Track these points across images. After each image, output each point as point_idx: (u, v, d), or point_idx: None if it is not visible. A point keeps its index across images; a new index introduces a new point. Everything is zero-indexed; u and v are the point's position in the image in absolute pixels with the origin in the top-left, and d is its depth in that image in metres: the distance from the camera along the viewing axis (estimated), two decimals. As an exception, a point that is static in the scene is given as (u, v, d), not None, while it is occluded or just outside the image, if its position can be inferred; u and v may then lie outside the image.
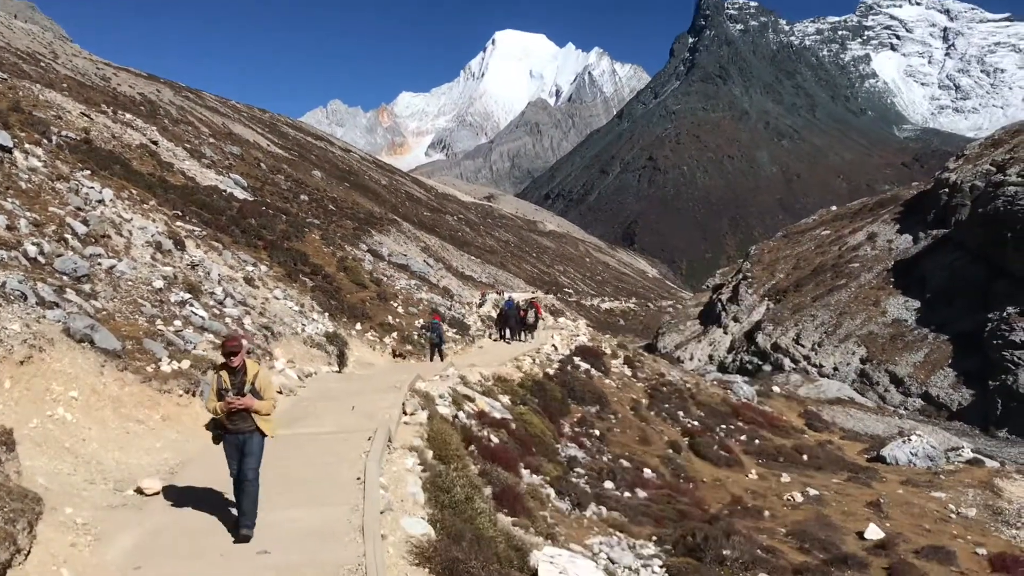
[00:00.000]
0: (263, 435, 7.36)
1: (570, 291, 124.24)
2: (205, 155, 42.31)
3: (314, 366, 15.86)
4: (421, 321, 24.76)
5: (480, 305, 35.71)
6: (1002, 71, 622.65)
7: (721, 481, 18.63)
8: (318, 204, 47.95)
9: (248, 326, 14.43)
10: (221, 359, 7.41)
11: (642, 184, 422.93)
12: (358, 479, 8.03)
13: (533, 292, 51.51)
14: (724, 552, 11.34)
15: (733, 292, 74.44)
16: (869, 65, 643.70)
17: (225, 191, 31.09)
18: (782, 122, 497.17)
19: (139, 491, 7.65)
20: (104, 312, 10.43)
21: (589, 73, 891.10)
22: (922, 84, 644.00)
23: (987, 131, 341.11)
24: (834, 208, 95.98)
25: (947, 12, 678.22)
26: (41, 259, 10.53)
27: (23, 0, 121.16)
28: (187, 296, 12.86)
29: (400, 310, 24.68)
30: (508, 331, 28.86)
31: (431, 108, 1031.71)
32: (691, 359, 67.26)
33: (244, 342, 12.89)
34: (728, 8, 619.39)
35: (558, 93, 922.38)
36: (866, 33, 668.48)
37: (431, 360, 21.65)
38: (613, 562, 10.38)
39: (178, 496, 7.76)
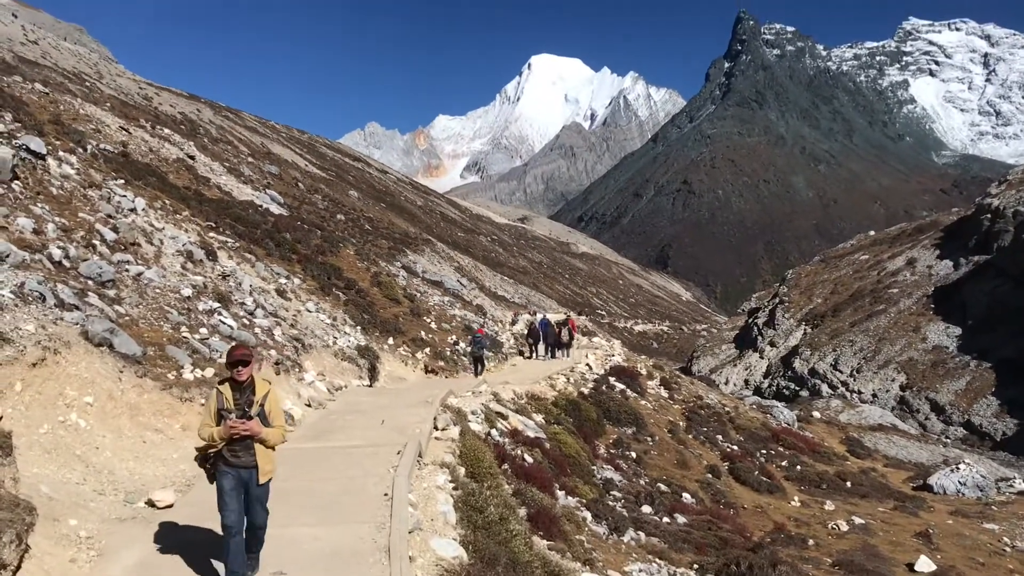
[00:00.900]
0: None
1: (603, 313, 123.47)
2: (243, 173, 42.53)
3: (344, 379, 15.51)
4: (454, 337, 24.43)
5: (513, 323, 35.34)
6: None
7: (763, 508, 17.91)
8: (354, 223, 48.00)
9: (278, 337, 14.10)
10: (226, 372, 6.10)
11: (676, 207, 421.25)
12: (385, 495, 7.54)
13: (566, 313, 51.03)
14: (769, 583, 10.74)
15: (769, 316, 73.45)
16: (907, 91, 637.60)
17: (261, 206, 31.09)
18: (818, 147, 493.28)
19: (151, 504, 7.15)
20: (127, 317, 10.14)
21: (624, 97, 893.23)
22: (961, 110, 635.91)
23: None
24: (872, 233, 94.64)
25: (987, 38, 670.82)
26: (66, 263, 10.30)
27: (73, 24, 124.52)
28: (216, 305, 12.59)
29: (433, 326, 24.34)
30: (543, 348, 28.53)
31: (467, 131, 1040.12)
32: (726, 383, 66.26)
33: (269, 352, 12.59)
34: (764, 33, 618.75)
35: (593, 117, 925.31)
36: (904, 59, 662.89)
37: (476, 375, 21.62)
38: (653, 591, 9.85)
39: (192, 510, 7.20)
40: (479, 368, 21.86)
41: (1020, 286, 52.63)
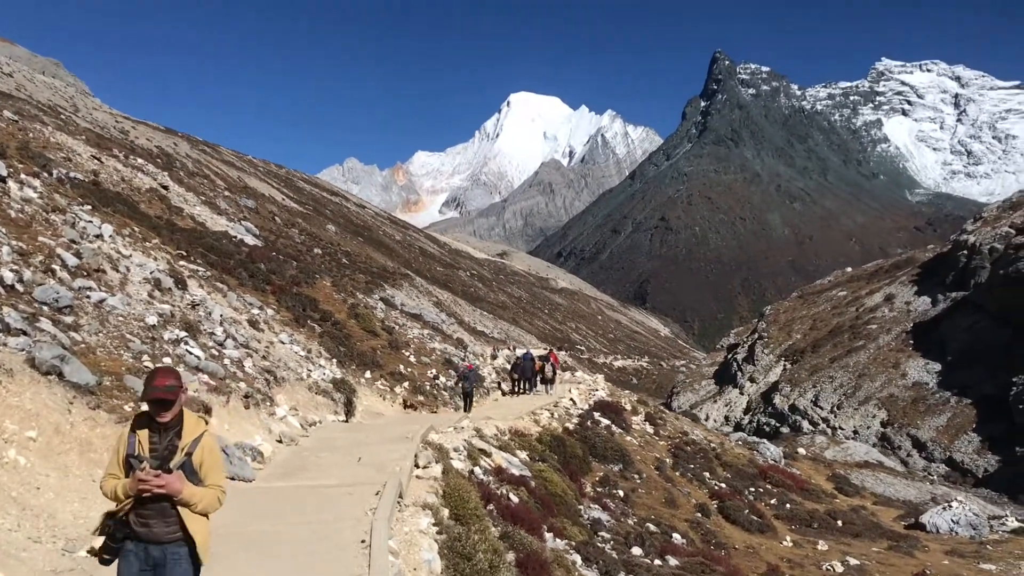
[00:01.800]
0: (195, 561, 4.26)
1: (582, 348, 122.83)
2: (219, 206, 41.84)
3: (319, 414, 14.74)
4: (434, 371, 23.73)
5: (493, 358, 34.68)
6: (1014, 137, 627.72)
7: (754, 548, 17.28)
8: (331, 257, 47.34)
9: (249, 369, 13.35)
10: (145, 406, 4.47)
11: (654, 244, 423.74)
12: (363, 542, 6.74)
13: (546, 348, 50.59)
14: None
15: (749, 352, 73.29)
16: (881, 130, 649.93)
17: (236, 237, 30.39)
18: (794, 185, 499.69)
19: (93, 552, 6.10)
20: (84, 345, 9.40)
21: (602, 135, 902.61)
22: (934, 149, 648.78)
23: (999, 196, 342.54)
24: (849, 270, 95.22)
25: (958, 79, 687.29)
26: (19, 287, 9.56)
27: (49, 57, 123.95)
28: (183, 334, 11.87)
29: (412, 359, 23.62)
30: (525, 383, 27.89)
31: (446, 167, 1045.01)
32: (706, 419, 65.77)
33: (238, 385, 11.81)
34: (740, 73, 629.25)
35: (571, 154, 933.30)
36: (878, 98, 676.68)
37: (465, 410, 20.96)
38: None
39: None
40: (468, 404, 21.22)
41: (998, 322, 52.78)
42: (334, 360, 18.85)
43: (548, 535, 10.80)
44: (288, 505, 7.94)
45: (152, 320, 11.52)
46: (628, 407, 26.83)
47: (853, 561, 17.37)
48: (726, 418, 67.42)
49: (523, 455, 15.19)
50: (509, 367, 30.57)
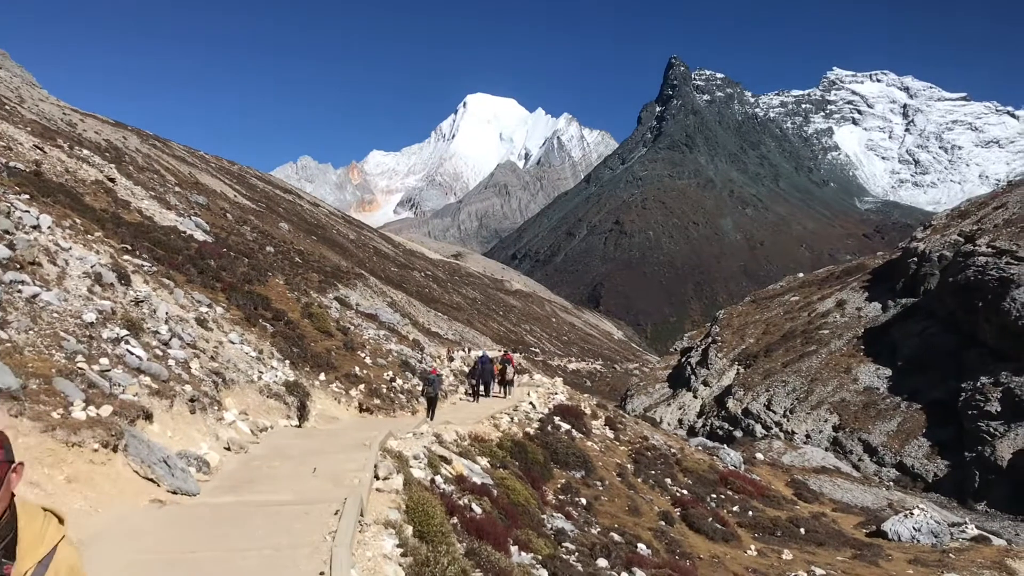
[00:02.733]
0: None
1: (537, 350, 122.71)
2: (169, 202, 40.52)
3: (271, 419, 13.91)
4: (390, 373, 22.97)
5: (451, 360, 34.02)
6: (959, 148, 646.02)
7: (719, 558, 16.93)
8: (284, 256, 46.25)
9: (196, 371, 12.50)
10: None
11: (608, 247, 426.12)
12: (321, 574, 5.98)
13: (503, 350, 50.19)
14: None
15: (703, 356, 73.62)
16: (831, 138, 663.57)
17: (185, 232, 29.29)
18: (746, 191, 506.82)
19: None
20: (9, 344, 8.56)
21: (558, 138, 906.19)
22: (883, 158, 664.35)
23: (945, 205, 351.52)
24: (801, 275, 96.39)
25: (907, 90, 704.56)
26: (-62, 280, 8.78)
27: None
28: (124, 333, 11.00)
29: (368, 361, 22.84)
30: (483, 386, 27.28)
31: (401, 167, 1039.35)
32: (660, 423, 65.85)
33: (183, 388, 10.92)
34: (695, 79, 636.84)
35: (527, 156, 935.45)
36: (829, 107, 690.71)
37: (429, 417, 20.10)
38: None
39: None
40: (432, 410, 20.24)
41: (948, 329, 53.55)
42: (287, 361, 18.02)
43: (514, 548, 10.25)
44: (235, 527, 7.14)
45: (90, 317, 10.66)
46: (588, 411, 26.40)
47: (819, 571, 17.13)
48: (680, 421, 67.56)
49: (484, 462, 14.63)
50: (467, 370, 29.89)
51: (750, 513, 22.01)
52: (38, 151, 29.77)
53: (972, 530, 23.16)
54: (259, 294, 21.48)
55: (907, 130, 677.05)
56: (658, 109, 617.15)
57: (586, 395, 36.10)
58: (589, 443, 22.08)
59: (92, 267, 12.98)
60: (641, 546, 14.99)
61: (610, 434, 24.99)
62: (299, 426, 15.08)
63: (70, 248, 13.39)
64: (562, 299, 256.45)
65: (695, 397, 70.27)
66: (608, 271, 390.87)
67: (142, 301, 13.31)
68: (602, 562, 12.70)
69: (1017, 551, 20.81)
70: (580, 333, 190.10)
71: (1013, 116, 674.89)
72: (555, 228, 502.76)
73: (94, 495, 7.31)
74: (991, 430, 44.12)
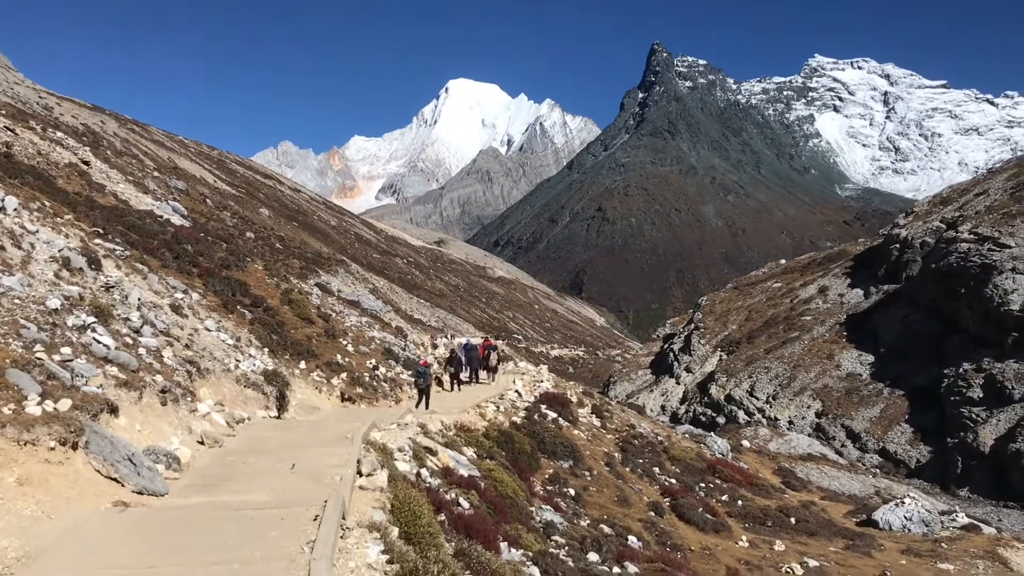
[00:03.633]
0: None
1: (519, 337, 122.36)
2: (147, 187, 39.66)
3: (248, 410, 13.31)
4: (373, 361, 22.37)
5: (435, 347, 33.50)
6: (939, 135, 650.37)
7: (711, 550, 16.61)
8: (264, 242, 45.51)
9: (168, 359, 11.86)
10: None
11: (591, 234, 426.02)
12: None
13: (486, 336, 49.76)
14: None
15: (685, 342, 73.51)
16: (813, 125, 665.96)
17: (161, 216, 28.54)
18: (728, 178, 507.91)
19: None
20: (-40, 333, 8.02)
21: (540, 124, 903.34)
22: (863, 145, 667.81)
23: (925, 192, 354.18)
24: (783, 261, 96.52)
25: (887, 77, 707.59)
26: None
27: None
28: (91, 320, 10.37)
29: (350, 348, 22.26)
30: (470, 373, 26.83)
31: (383, 153, 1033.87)
32: (643, 409, 65.73)
33: (154, 378, 10.09)
34: (677, 65, 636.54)
35: (509, 142, 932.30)
36: (810, 94, 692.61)
37: (421, 406, 19.46)
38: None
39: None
40: (425, 401, 19.68)
41: (930, 315, 53.59)
42: (265, 349, 17.39)
43: (503, 545, 9.82)
44: (204, 535, 6.48)
45: (55, 303, 10.03)
46: (574, 399, 25.99)
47: (812, 563, 16.85)
48: (663, 408, 67.48)
49: (470, 452, 14.19)
50: (448, 358, 29.36)
51: (739, 502, 21.72)
52: (8, 132, 28.92)
53: (963, 518, 23.01)
54: (237, 280, 20.85)
55: (888, 117, 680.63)
56: (640, 95, 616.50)
57: (571, 383, 35.73)
58: (576, 432, 21.70)
59: (60, 251, 12.37)
60: (632, 539, 14.63)
61: (597, 422, 24.62)
62: (278, 417, 14.49)
63: (37, 231, 12.76)
64: (545, 286, 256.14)
65: (678, 384, 70.23)
66: (590, 258, 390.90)
67: (113, 287, 12.71)
68: (593, 556, 12.32)
69: (1008, 540, 20.65)
70: (563, 320, 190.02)
71: (992, 104, 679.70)
72: (538, 215, 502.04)
73: (48, 499, 6.69)
74: (973, 416, 44.20)
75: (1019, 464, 38.60)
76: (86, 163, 31.81)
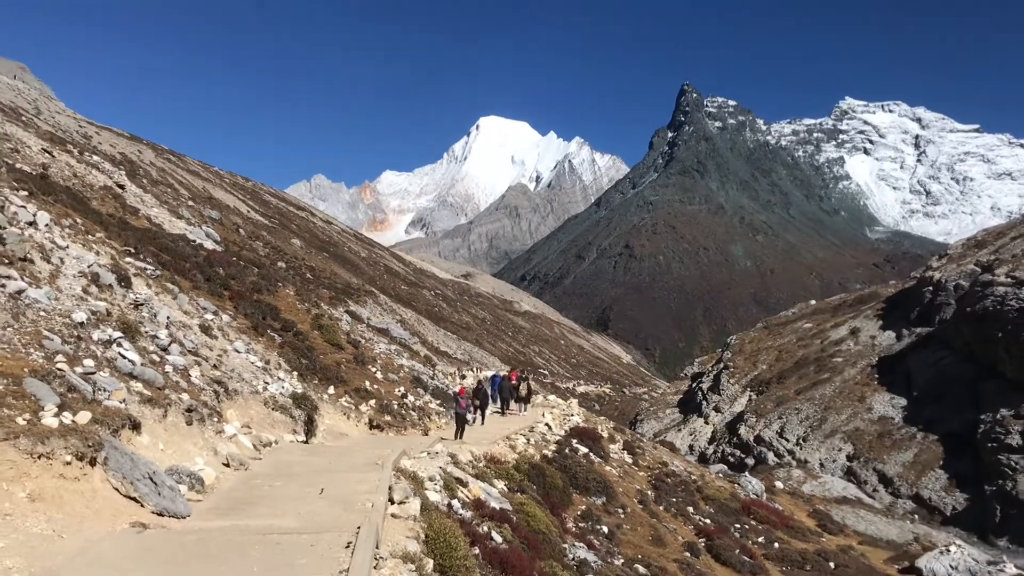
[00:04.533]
0: None
1: (545, 372, 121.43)
2: (182, 215, 39.97)
3: (275, 433, 12.92)
4: (402, 389, 21.98)
5: (463, 377, 33.14)
6: (971, 179, 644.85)
7: (749, 594, 15.97)
8: (295, 271, 45.63)
9: (196, 379, 11.54)
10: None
11: (618, 271, 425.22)
12: None
13: (510, 369, 49.51)
14: None
15: (714, 381, 72.56)
16: (843, 167, 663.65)
17: (194, 240, 28.55)
18: (757, 218, 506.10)
19: None
20: (-21, 341, 7.70)
21: (569, 161, 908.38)
22: (894, 188, 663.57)
23: (956, 236, 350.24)
24: (813, 302, 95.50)
25: (919, 120, 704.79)
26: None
27: (15, 61, 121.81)
28: (117, 335, 10.08)
29: (379, 376, 21.88)
30: (501, 403, 26.48)
31: (413, 187, 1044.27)
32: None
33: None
34: (707, 106, 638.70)
35: (538, 179, 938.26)
36: (840, 136, 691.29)
37: (458, 436, 18.97)
38: None
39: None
40: (460, 430, 19.01)
41: (964, 359, 52.43)
42: (295, 373, 17.07)
43: (539, 583, 9.32)
44: (226, 562, 5.97)
45: (80, 317, 9.75)
46: (605, 434, 25.36)
47: (855, 610, 16.13)
48: (690, 447, 66.44)
49: (501, 485, 13.69)
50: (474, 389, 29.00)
51: (776, 545, 20.93)
52: (46, 154, 29.18)
53: (1012, 568, 21.99)
54: (268, 304, 20.63)
55: (919, 161, 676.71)
56: (670, 135, 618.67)
57: (602, 417, 35.07)
58: (607, 468, 21.08)
59: (89, 266, 12.16)
60: (668, 580, 14.03)
61: (628, 459, 23.97)
62: (306, 442, 14.09)
63: (67, 247, 12.58)
64: (571, 321, 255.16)
65: (706, 423, 69.22)
66: (617, 295, 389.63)
67: (142, 304, 12.46)
68: (629, 597, 11.76)
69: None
70: (589, 356, 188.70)
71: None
72: (565, 251, 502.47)
73: (61, 516, 6.24)
74: (1012, 464, 42.92)
75: (1063, 514, 37.26)
76: (121, 187, 32.01)
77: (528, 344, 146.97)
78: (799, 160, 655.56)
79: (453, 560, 6.76)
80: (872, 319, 68.45)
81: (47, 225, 13.15)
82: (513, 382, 27.13)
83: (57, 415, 7.25)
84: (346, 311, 30.81)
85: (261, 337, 17.88)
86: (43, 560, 5.55)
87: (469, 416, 25.00)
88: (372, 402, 19.15)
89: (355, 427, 17.45)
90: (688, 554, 16.85)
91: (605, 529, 15.81)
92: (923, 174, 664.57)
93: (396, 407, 20.02)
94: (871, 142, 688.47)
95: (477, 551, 8.34)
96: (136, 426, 8.42)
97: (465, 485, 11.77)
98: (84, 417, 7.54)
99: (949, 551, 21.15)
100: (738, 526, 21.64)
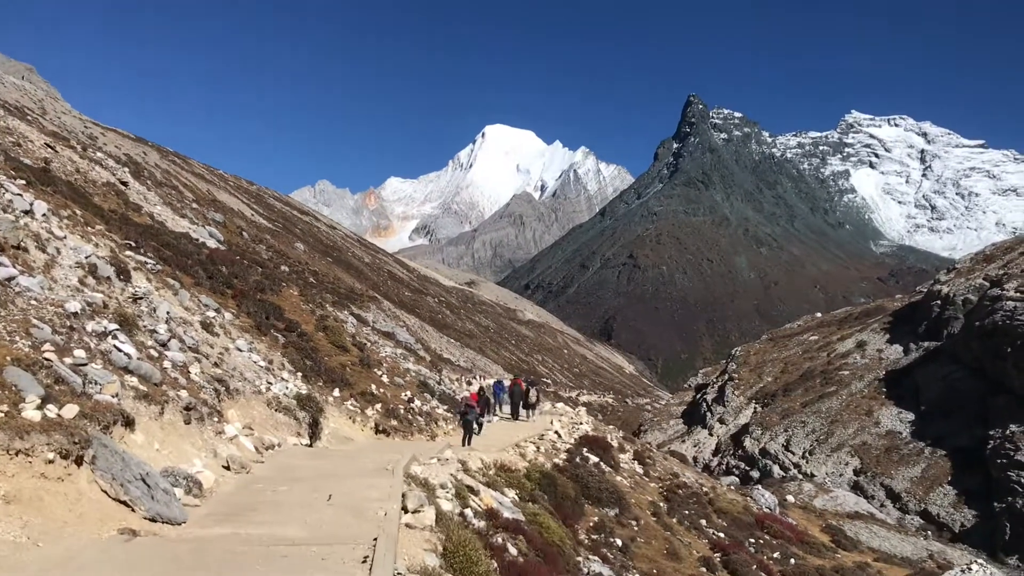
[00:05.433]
0: None
1: (548, 381, 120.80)
2: (185, 215, 39.53)
3: (278, 435, 12.31)
4: (408, 393, 21.42)
5: (469, 384, 32.65)
6: (976, 195, 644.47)
7: (768, 612, 15.36)
8: (299, 275, 45.18)
9: (195, 376, 10.92)
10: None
11: (621, 281, 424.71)
12: None
13: (513, 377, 48.99)
14: None
15: (719, 393, 71.94)
16: (848, 180, 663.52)
17: (197, 239, 28.05)
18: (761, 230, 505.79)
19: None
20: (-41, 326, 7.12)
21: (574, 171, 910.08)
22: (899, 202, 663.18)
23: (961, 251, 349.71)
24: (818, 315, 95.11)
25: (924, 135, 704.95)
26: None
27: (23, 62, 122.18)
28: (113, 327, 9.47)
29: (385, 379, 21.27)
30: (512, 409, 26.04)
31: (418, 194, 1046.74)
32: (677, 460, 64.08)
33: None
34: (713, 117, 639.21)
35: (543, 188, 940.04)
36: (846, 150, 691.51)
37: (466, 443, 18.49)
38: None
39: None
40: (468, 437, 18.81)
41: (973, 374, 51.76)
42: (299, 374, 16.47)
43: (557, 599, 8.74)
44: (225, 575, 5.31)
45: (74, 307, 9.16)
46: (615, 444, 24.78)
47: (878, 630, 15.52)
48: (694, 459, 65.76)
49: (512, 494, 13.10)
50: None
51: (792, 561, 20.28)
52: (49, 150, 28.72)
53: (1036, 590, 21.33)
54: (272, 303, 20.06)
55: (924, 175, 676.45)
56: (675, 146, 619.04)
57: (611, 427, 34.45)
58: (618, 478, 20.47)
59: (87, 257, 11.61)
60: (685, 596, 13.42)
61: (639, 469, 23.36)
62: (310, 445, 13.45)
63: (64, 237, 12.04)
64: (574, 331, 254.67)
65: (711, 435, 68.59)
66: (620, 305, 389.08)
67: (141, 298, 11.91)
68: (647, 615, 11.17)
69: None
70: (591, 365, 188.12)
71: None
72: (569, 260, 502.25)
73: (39, 521, 5.57)
74: (1022, 480, 42.24)
75: (1076, 534, 36.56)
76: (124, 184, 31.55)
77: (531, 353, 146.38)
78: (804, 173, 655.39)
79: (474, 575, 6.17)
80: (879, 332, 67.86)
81: (44, 215, 12.63)
82: (523, 388, 26.69)
83: (40, 408, 6.60)
84: (351, 313, 30.26)
85: (264, 337, 17.31)
86: (11, 573, 4.87)
87: (477, 422, 24.52)
88: (378, 406, 18.57)
89: (360, 431, 16.84)
90: (704, 569, 16.21)
91: (619, 542, 15.20)
92: (928, 189, 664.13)
93: (403, 412, 19.42)
94: (877, 156, 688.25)
95: (495, 564, 7.76)
96: (130, 423, 7.82)
97: (476, 493, 11.19)
98: (71, 411, 6.90)
99: (971, 569, 20.49)
100: (752, 541, 21.01)
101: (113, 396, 7.86)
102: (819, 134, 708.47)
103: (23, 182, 14.16)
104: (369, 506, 7.57)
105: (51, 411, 6.68)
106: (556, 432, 22.07)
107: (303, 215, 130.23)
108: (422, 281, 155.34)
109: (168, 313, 12.44)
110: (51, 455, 6.17)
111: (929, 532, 40.58)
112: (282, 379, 14.86)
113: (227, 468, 9.28)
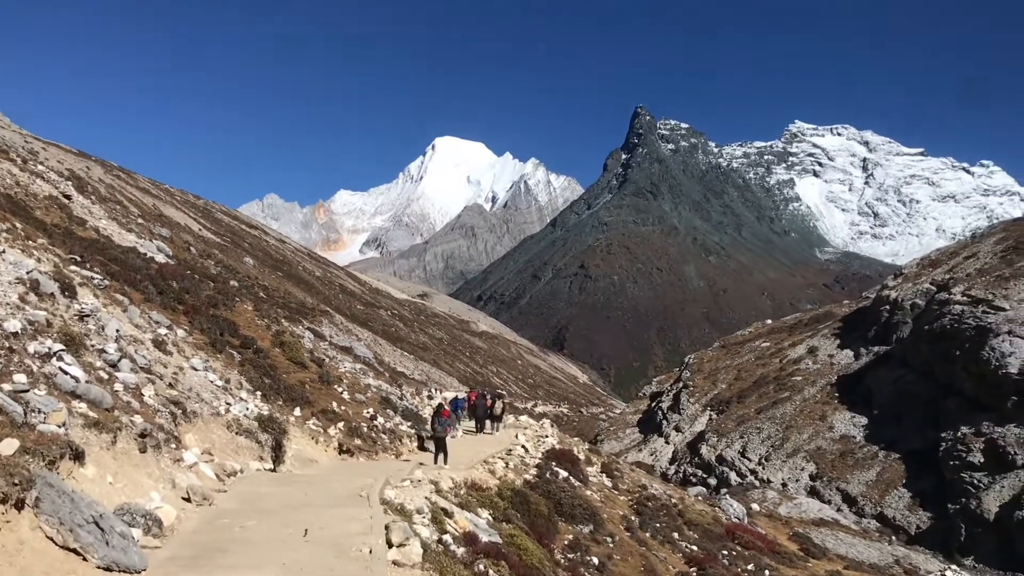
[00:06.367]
0: None
1: (503, 392, 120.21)
2: (133, 231, 38.18)
3: (240, 460, 11.50)
4: (370, 410, 20.64)
5: (430, 398, 31.98)
6: (917, 202, 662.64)
7: (749, 628, 14.98)
8: (248, 291, 43.93)
9: (149, 399, 10.14)
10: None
11: (573, 291, 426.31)
12: None
13: (468, 389, 48.32)
14: None
15: (674, 401, 72.10)
16: (793, 189, 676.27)
17: (145, 253, 26.94)
18: (709, 239, 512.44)
19: None
20: None
21: (525, 182, 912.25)
22: (843, 210, 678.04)
23: (904, 257, 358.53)
24: (769, 321, 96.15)
25: (866, 144, 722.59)
26: None
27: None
28: (59, 348, 8.68)
29: (346, 396, 20.46)
30: (476, 424, 25.46)
31: (368, 207, 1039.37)
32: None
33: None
34: (660, 128, 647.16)
35: (494, 199, 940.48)
36: (791, 159, 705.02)
37: (440, 462, 17.71)
38: None
39: None
40: (444, 456, 18.01)
41: (923, 377, 52.48)
42: (258, 393, 15.62)
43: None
44: None
45: (14, 327, 8.35)
46: (582, 456, 24.31)
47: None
48: (652, 467, 65.70)
49: (485, 514, 12.52)
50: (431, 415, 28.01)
51: (766, 572, 19.98)
52: (-15, 163, 27.39)
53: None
54: (226, 319, 19.17)
55: (867, 183, 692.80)
56: (624, 156, 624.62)
57: (576, 439, 33.96)
58: (588, 492, 19.97)
59: (28, 272, 10.76)
60: (667, 616, 12.96)
61: (608, 482, 22.90)
62: (273, 470, 12.60)
63: (3, 251, 11.16)
64: (527, 341, 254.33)
65: (667, 443, 68.59)
66: (573, 315, 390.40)
67: (88, 315, 11.08)
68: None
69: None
70: (546, 376, 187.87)
71: (968, 172, 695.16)
72: (521, 271, 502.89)
73: None
74: (975, 482, 42.74)
75: (1027, 533, 37.02)
76: (68, 197, 30.28)
77: (486, 364, 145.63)
78: (750, 182, 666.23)
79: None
80: (829, 338, 68.66)
81: (-20, 229, 11.75)
82: (487, 401, 26.14)
83: (-29, 444, 5.69)
84: (307, 328, 29.37)
85: (220, 354, 16.46)
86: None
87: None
88: (341, 425, 17.75)
89: (324, 452, 16.04)
90: (682, 585, 15.86)
91: (595, 560, 14.68)
92: (871, 196, 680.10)
93: (366, 430, 18.62)
94: (820, 164, 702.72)
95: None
96: (79, 456, 6.96)
97: (451, 516, 10.59)
98: (10, 446, 6.04)
99: (945, 576, 20.59)
100: (725, 552, 20.66)
101: (60, 426, 6.99)
102: (764, 144, 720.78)
103: (-44, 193, 13.23)
104: (351, 542, 6.89)
105: (-16, 447, 5.72)
106: (523, 447, 21.50)
107: (251, 229, 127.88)
108: (374, 294, 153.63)
109: (118, 331, 11.60)
110: (-21, 498, 5.28)
111: (894, 538, 40.84)
112: (241, 399, 14.03)
113: (187, 500, 8.45)
